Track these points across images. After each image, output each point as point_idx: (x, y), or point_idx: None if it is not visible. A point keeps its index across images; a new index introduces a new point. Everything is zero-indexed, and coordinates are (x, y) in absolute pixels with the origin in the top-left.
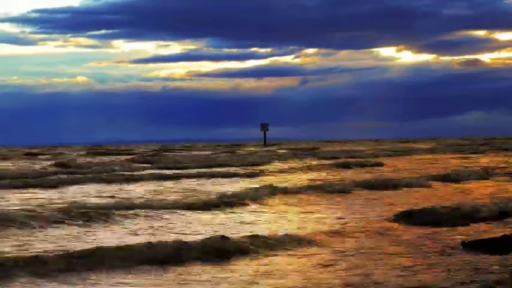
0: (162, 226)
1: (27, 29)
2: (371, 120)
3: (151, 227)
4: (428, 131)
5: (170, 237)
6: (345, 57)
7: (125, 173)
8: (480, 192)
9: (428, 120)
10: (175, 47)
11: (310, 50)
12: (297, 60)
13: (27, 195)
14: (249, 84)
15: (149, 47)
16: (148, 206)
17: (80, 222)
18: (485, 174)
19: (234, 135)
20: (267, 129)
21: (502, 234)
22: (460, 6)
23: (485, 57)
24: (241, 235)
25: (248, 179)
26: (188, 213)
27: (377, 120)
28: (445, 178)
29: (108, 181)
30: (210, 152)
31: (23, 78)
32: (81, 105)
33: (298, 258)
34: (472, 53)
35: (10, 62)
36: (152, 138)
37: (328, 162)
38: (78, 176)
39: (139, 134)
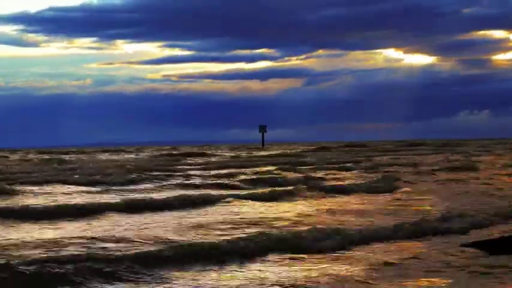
0: None
1: (32, 31)
2: (377, 121)
3: None
4: (435, 132)
5: None
6: (353, 58)
7: None
8: None
9: (434, 121)
10: (181, 48)
11: (318, 52)
12: (305, 62)
13: None
14: (256, 85)
15: (155, 48)
16: None
17: None
18: None
19: (239, 137)
20: (265, 131)
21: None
22: (469, 6)
23: (495, 58)
24: None
25: None
26: None
27: (383, 122)
28: None
29: None
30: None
31: (29, 80)
32: (86, 106)
33: None
34: (481, 54)
35: (15, 64)
36: (158, 140)
37: None
38: None
39: (144, 135)
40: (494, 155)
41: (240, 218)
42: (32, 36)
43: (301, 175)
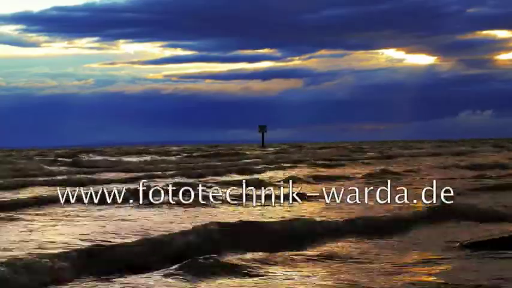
0: None
1: (34, 30)
2: (379, 121)
3: None
4: (436, 133)
5: None
6: (355, 59)
7: None
8: None
9: (435, 121)
10: (182, 48)
11: (319, 52)
12: (306, 62)
13: None
14: (257, 85)
15: (156, 48)
16: None
17: None
18: None
19: (241, 137)
20: (265, 131)
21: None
22: (470, 6)
23: (497, 58)
24: None
25: None
26: None
27: (385, 122)
28: None
29: None
30: None
31: (30, 80)
32: (88, 106)
33: None
34: (483, 54)
35: (17, 63)
36: (159, 140)
37: None
38: None
39: (145, 135)
40: None
41: None
42: (33, 36)
43: None
